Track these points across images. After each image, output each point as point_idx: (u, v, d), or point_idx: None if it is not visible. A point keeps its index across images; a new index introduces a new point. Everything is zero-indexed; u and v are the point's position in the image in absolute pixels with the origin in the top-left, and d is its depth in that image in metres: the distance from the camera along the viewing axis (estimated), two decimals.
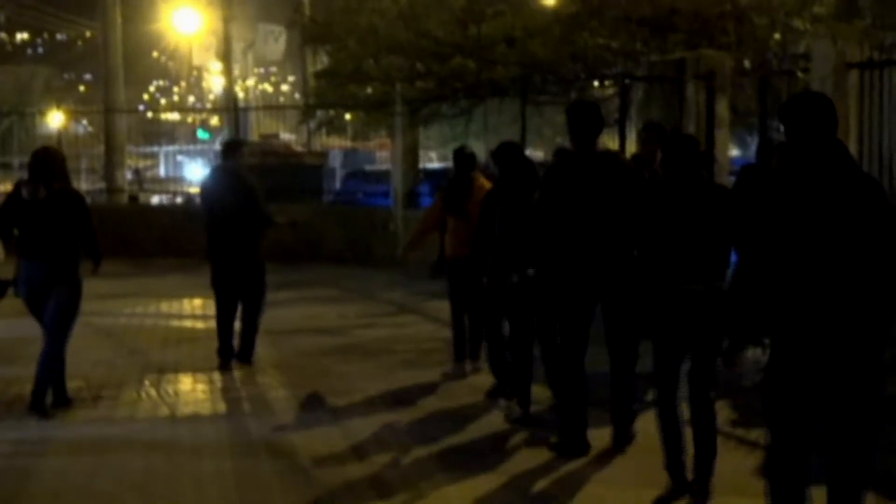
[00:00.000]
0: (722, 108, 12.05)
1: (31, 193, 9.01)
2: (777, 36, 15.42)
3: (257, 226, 11.05)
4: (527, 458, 7.80)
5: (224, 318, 11.07)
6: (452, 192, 10.42)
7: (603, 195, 7.73)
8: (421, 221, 11.22)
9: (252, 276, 11.09)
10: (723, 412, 8.33)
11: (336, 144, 30.63)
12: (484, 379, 9.91)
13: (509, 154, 9.29)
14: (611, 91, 17.42)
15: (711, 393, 6.98)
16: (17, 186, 9.20)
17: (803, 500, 5.45)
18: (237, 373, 10.82)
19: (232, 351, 11.04)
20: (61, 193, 9.08)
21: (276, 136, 33.55)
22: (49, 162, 9.16)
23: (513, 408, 9.01)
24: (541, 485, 7.27)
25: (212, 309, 11.37)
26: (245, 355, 11.09)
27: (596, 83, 18.00)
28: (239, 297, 11.08)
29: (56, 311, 9.03)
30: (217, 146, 37.95)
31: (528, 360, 8.82)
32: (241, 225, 10.90)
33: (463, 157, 10.54)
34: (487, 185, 10.04)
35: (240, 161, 11.29)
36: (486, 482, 7.29)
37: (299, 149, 30.63)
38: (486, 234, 9.03)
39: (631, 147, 12.44)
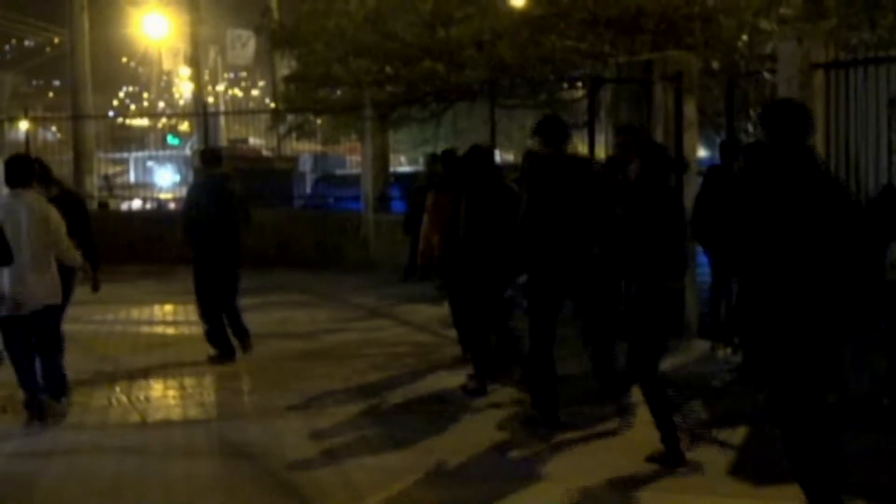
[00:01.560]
0: (690, 109, 12.10)
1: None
2: (744, 37, 15.46)
3: (243, 231, 11.72)
4: (507, 460, 7.83)
5: (215, 317, 11.65)
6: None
7: (571, 196, 8.22)
8: (434, 224, 11.00)
9: (235, 277, 11.71)
10: (694, 412, 8.39)
11: (306, 149, 30.57)
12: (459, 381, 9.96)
13: (478, 157, 9.69)
14: (580, 93, 17.45)
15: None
16: None
17: None
18: (208, 378, 10.81)
19: (232, 344, 11.66)
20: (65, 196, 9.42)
21: (244, 140, 33.49)
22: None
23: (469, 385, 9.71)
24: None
25: (182, 315, 11.49)
26: (247, 344, 11.71)
27: (565, 85, 18.02)
28: (221, 296, 11.64)
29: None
30: (188, 151, 37.86)
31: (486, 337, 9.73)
32: (230, 232, 11.56)
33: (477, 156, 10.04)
34: None
35: (222, 169, 11.95)
36: (460, 484, 7.30)
37: (268, 154, 30.56)
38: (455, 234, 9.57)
39: (600, 149, 12.47)
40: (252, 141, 34.13)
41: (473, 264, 9.51)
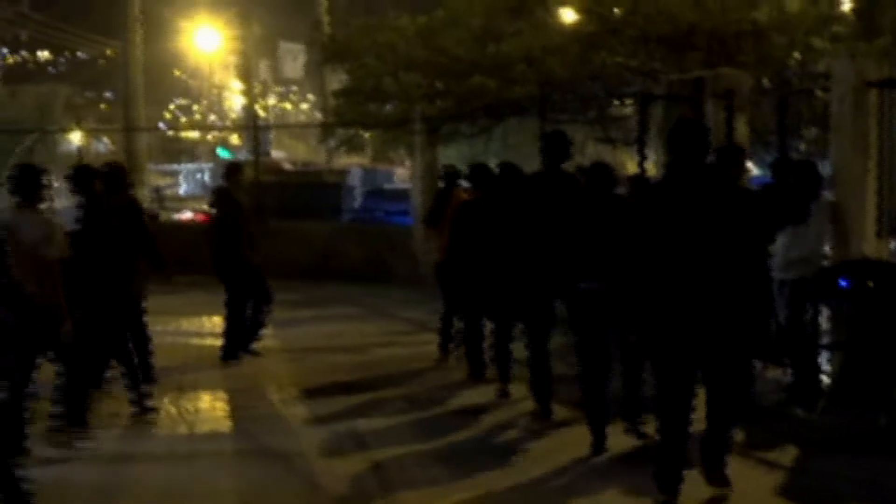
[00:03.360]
0: (741, 127, 12.00)
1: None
2: (796, 55, 15.40)
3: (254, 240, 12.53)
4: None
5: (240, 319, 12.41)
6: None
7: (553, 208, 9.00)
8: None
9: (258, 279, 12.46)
10: (739, 432, 8.34)
11: (354, 162, 30.72)
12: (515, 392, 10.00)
13: (482, 174, 10.91)
14: (629, 110, 17.43)
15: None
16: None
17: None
18: (257, 390, 10.85)
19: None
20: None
21: (267, 153, 33.62)
22: None
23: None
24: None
25: None
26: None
27: (615, 101, 18.01)
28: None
29: None
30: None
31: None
32: (238, 238, 12.31)
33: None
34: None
35: (241, 182, 12.70)
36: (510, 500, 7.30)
37: (289, 166, 30.68)
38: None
39: (650, 166, 12.44)
40: (274, 154, 34.27)
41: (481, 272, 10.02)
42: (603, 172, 8.62)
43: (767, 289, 8.98)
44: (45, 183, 8.78)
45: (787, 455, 8.28)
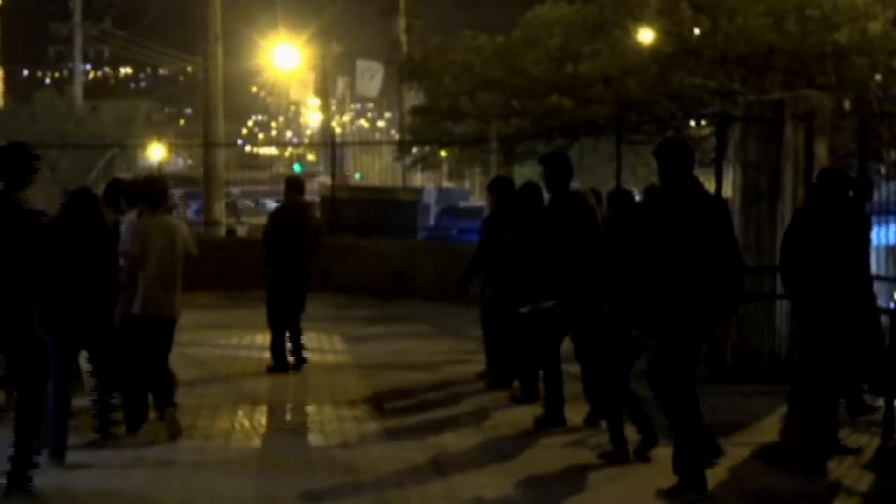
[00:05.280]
0: (821, 150, 11.88)
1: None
2: (878, 77, 15.23)
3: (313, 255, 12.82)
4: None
5: (279, 332, 12.50)
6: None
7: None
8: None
9: (303, 297, 12.69)
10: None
11: (428, 181, 30.81)
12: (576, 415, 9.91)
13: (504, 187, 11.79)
14: (707, 131, 17.32)
15: None
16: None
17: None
18: (328, 406, 10.89)
19: (286, 359, 12.51)
20: None
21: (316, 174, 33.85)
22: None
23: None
24: None
25: (309, 342, 11.70)
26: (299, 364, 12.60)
27: (692, 122, 17.91)
28: (288, 313, 12.61)
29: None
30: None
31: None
32: (304, 255, 12.60)
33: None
34: None
35: (304, 197, 13.16)
36: None
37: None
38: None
39: (727, 187, 12.34)
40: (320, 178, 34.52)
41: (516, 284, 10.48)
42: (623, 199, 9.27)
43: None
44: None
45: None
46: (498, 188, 12.01)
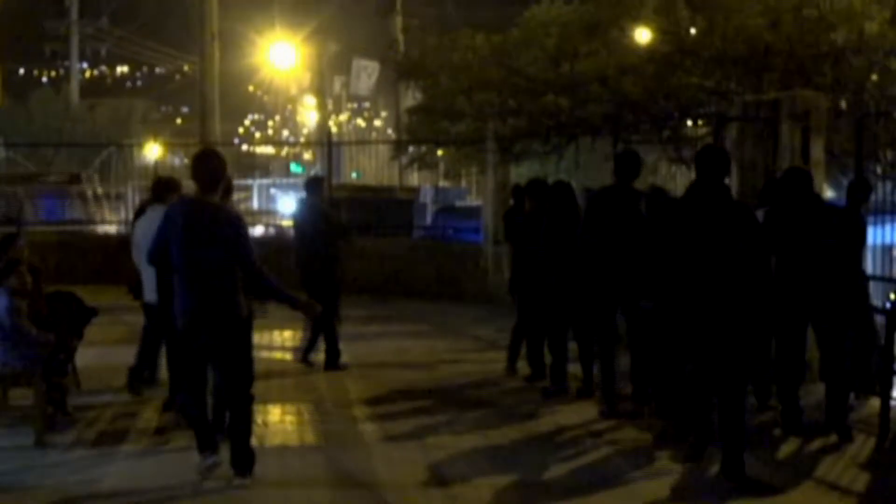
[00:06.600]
0: (817, 150, 11.89)
1: None
2: (874, 77, 15.25)
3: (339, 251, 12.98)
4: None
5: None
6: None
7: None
8: None
9: (334, 297, 12.71)
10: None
11: (426, 180, 30.83)
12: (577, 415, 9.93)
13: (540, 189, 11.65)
14: (703, 130, 17.34)
15: None
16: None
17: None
18: (326, 405, 10.89)
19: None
20: None
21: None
22: None
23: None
24: None
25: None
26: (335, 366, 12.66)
27: (689, 122, 17.93)
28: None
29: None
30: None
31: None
32: (328, 251, 12.76)
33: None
34: None
35: (323, 196, 13.33)
36: None
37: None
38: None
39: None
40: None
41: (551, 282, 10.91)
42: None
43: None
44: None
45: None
46: (535, 191, 11.81)
